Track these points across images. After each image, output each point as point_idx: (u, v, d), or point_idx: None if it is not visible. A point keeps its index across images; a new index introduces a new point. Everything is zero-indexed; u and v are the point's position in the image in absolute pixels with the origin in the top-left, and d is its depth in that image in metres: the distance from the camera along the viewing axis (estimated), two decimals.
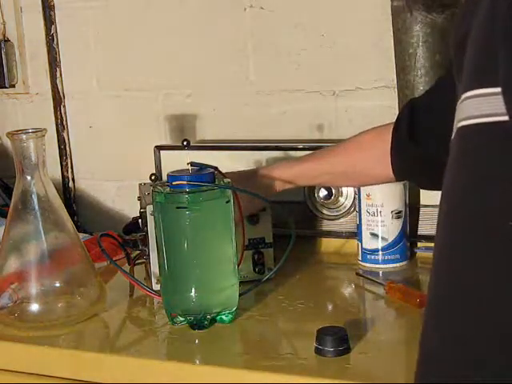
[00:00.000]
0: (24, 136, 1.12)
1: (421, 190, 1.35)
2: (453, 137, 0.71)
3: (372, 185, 1.28)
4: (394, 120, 1.16)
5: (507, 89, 0.63)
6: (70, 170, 1.72)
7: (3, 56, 1.69)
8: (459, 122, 0.69)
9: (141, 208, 1.28)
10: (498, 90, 0.63)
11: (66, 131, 1.70)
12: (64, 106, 1.70)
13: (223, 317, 1.10)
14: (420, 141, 1.10)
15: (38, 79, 1.72)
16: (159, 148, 1.53)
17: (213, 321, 1.10)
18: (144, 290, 1.20)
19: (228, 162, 1.37)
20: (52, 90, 1.69)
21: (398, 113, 1.33)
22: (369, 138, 1.20)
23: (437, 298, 0.71)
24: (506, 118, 0.63)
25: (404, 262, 1.33)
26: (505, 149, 0.64)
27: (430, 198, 1.33)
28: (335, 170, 1.22)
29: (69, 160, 1.71)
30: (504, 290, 0.65)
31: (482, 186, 0.67)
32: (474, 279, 0.67)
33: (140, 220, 1.30)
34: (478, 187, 0.67)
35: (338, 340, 0.97)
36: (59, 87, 1.69)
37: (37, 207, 1.14)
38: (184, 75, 1.59)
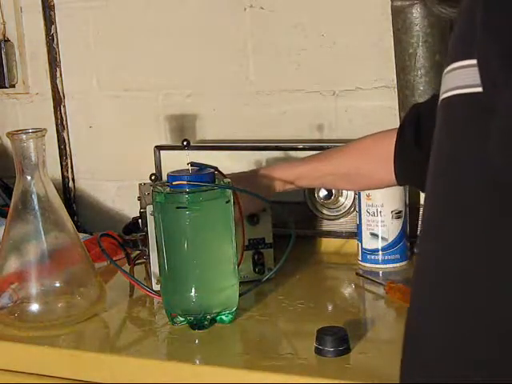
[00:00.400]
0: (24, 136, 1.12)
1: None
2: (438, 108, 0.72)
3: (372, 189, 1.28)
4: (398, 124, 1.17)
5: (481, 59, 0.64)
6: (70, 170, 1.72)
7: (3, 56, 1.69)
8: (442, 94, 0.70)
9: (141, 208, 1.28)
10: (475, 61, 0.64)
11: (66, 131, 1.70)
12: (64, 106, 1.70)
13: (223, 317, 1.10)
14: (424, 145, 1.10)
15: (38, 79, 1.72)
16: (159, 148, 1.53)
17: (213, 321, 1.10)
18: (144, 290, 1.20)
19: (228, 162, 1.37)
20: (52, 90, 1.69)
21: (397, 113, 1.33)
22: (372, 142, 1.20)
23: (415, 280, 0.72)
24: (480, 89, 0.64)
25: (404, 262, 1.33)
26: (480, 120, 0.65)
27: None
28: (338, 172, 1.22)
29: (69, 160, 1.71)
30: (479, 264, 0.66)
31: (460, 158, 0.68)
32: (449, 252, 0.68)
33: (140, 220, 1.30)
34: (457, 159, 0.68)
35: (338, 340, 0.97)
36: (59, 87, 1.69)
37: (37, 207, 1.14)
38: (184, 75, 1.59)
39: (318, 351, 0.98)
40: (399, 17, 1.28)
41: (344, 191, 1.40)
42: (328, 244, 1.43)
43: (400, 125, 1.16)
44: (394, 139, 1.14)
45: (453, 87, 0.68)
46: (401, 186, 1.23)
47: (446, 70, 0.69)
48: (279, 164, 1.29)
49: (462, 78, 0.66)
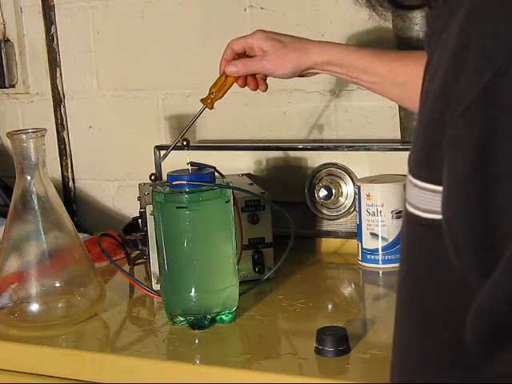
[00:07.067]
0: (24, 136, 1.12)
1: None
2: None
3: None
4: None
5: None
6: (69, 170, 1.72)
7: (3, 56, 1.69)
8: (407, 205, 0.66)
9: (141, 208, 1.28)
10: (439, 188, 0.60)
11: (65, 131, 1.70)
12: (64, 106, 1.70)
13: (223, 317, 1.10)
14: None
15: (38, 79, 1.72)
16: (159, 148, 1.53)
17: (213, 321, 1.10)
18: (144, 289, 1.20)
19: (228, 162, 1.37)
20: (52, 90, 1.69)
21: (397, 113, 1.33)
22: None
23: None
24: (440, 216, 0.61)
25: None
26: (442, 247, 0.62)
27: None
28: (394, 80, 1.09)
29: (69, 160, 1.71)
30: None
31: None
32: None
33: (140, 220, 1.30)
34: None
35: (338, 340, 0.97)
36: (59, 87, 1.69)
37: (37, 207, 1.14)
38: (184, 75, 1.59)
39: (318, 351, 0.98)
40: (399, 17, 1.28)
41: (344, 191, 1.40)
42: (328, 244, 1.43)
43: None
44: None
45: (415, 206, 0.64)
46: None
47: (409, 179, 0.64)
48: (334, 43, 1.14)
49: (427, 200, 0.62)
